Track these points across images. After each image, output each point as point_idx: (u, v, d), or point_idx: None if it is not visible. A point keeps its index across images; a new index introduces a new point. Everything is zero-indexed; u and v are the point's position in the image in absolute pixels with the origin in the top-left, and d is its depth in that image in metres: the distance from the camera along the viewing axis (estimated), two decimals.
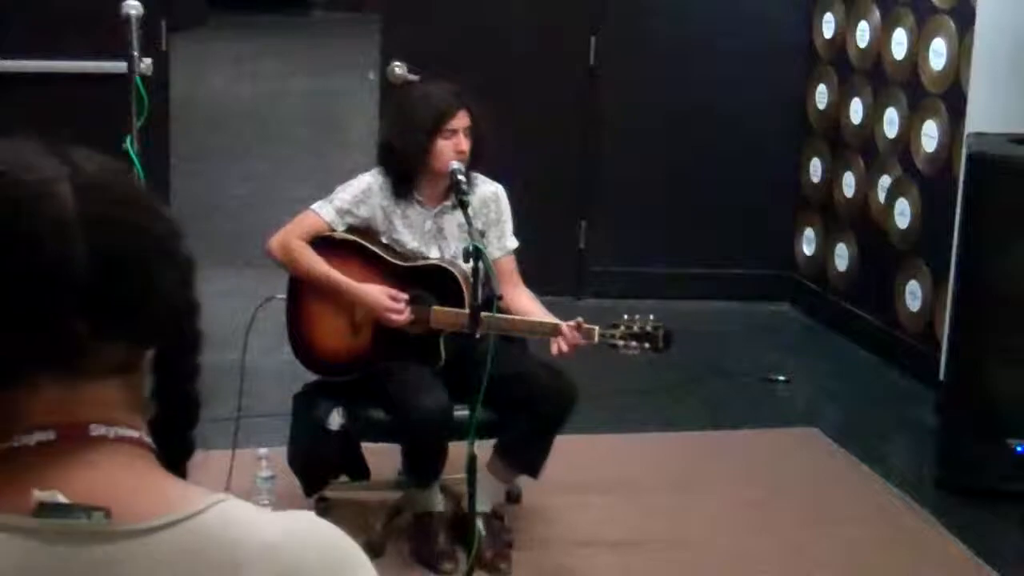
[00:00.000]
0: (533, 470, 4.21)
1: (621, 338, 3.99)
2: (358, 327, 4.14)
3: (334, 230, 4.13)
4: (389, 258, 4.13)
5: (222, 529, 1.08)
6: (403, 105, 4.20)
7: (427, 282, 4.11)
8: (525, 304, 4.18)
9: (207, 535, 1.07)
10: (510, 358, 4.01)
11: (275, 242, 4.14)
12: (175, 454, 1.17)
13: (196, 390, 1.20)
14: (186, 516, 1.07)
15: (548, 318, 4.10)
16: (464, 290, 3.99)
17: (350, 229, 4.15)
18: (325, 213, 4.14)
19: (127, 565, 1.05)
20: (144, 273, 1.11)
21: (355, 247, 4.14)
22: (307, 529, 1.12)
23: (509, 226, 4.28)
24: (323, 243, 4.13)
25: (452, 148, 4.07)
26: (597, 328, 3.98)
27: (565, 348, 3.93)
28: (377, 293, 4.08)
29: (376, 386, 4.07)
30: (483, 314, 3.71)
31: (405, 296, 4.08)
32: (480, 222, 4.13)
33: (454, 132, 4.08)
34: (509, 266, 4.25)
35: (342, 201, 4.15)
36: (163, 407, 1.16)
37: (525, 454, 4.16)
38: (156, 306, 1.12)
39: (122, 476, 1.09)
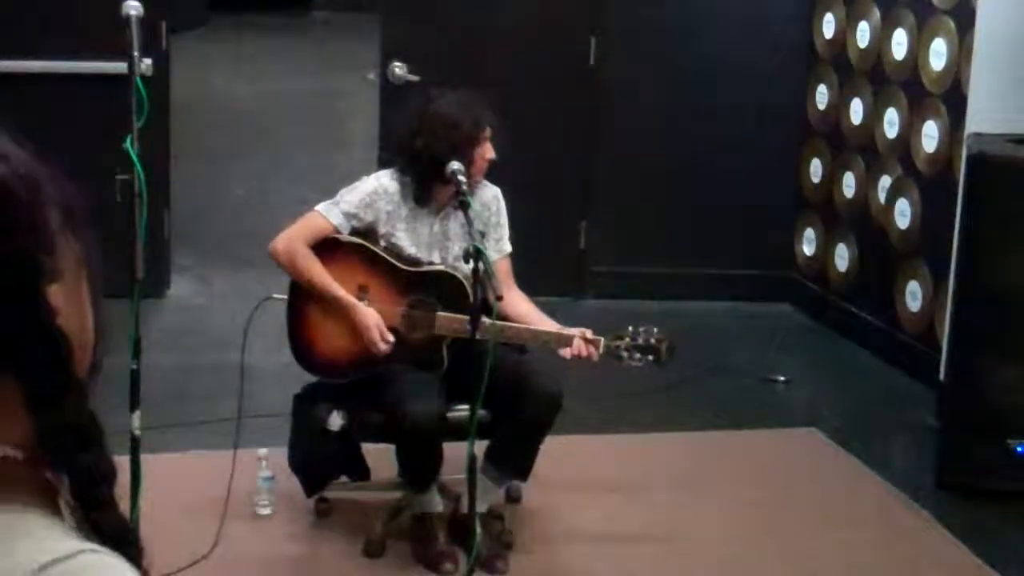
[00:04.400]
0: (521, 474, 4.23)
1: (626, 350, 4.03)
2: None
3: (339, 233, 4.13)
4: (395, 262, 4.13)
5: None
6: (440, 117, 4.08)
7: (432, 287, 4.11)
8: (522, 308, 4.19)
9: None
10: (507, 359, 4.00)
11: (280, 246, 4.11)
12: (77, 484, 1.06)
13: (80, 406, 1.07)
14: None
15: (550, 325, 4.12)
16: (469, 295, 3.99)
17: (353, 231, 4.14)
18: (333, 216, 4.12)
19: None
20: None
21: (361, 250, 4.13)
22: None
23: (506, 230, 4.30)
24: (328, 245, 4.12)
25: (482, 156, 4.11)
26: (603, 339, 4.00)
27: (574, 355, 3.97)
28: (371, 323, 4.06)
29: (374, 388, 4.07)
30: (489, 323, 3.71)
31: (391, 339, 4.07)
32: (481, 224, 4.14)
33: (486, 139, 4.13)
34: (505, 268, 4.25)
35: (348, 204, 4.13)
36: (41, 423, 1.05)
37: (512, 458, 4.16)
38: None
39: None
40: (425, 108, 4.14)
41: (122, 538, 1.07)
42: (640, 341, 4.04)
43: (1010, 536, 4.56)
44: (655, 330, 4.07)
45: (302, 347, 4.20)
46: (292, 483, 4.26)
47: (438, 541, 4.12)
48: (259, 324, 4.17)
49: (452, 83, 4.28)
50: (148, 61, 5.13)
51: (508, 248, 4.30)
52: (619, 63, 6.67)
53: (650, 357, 4.05)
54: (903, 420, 5.56)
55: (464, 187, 3.94)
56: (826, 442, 5.25)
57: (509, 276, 4.27)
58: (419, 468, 4.09)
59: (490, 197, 4.26)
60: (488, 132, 4.13)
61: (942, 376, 5.26)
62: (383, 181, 4.17)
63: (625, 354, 4.04)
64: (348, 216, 4.12)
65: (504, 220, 4.29)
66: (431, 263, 4.15)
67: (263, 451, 4.37)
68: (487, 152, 4.12)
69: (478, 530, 3.82)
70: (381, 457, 4.28)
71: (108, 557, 1.03)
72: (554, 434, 4.15)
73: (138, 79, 3.45)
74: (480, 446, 3.98)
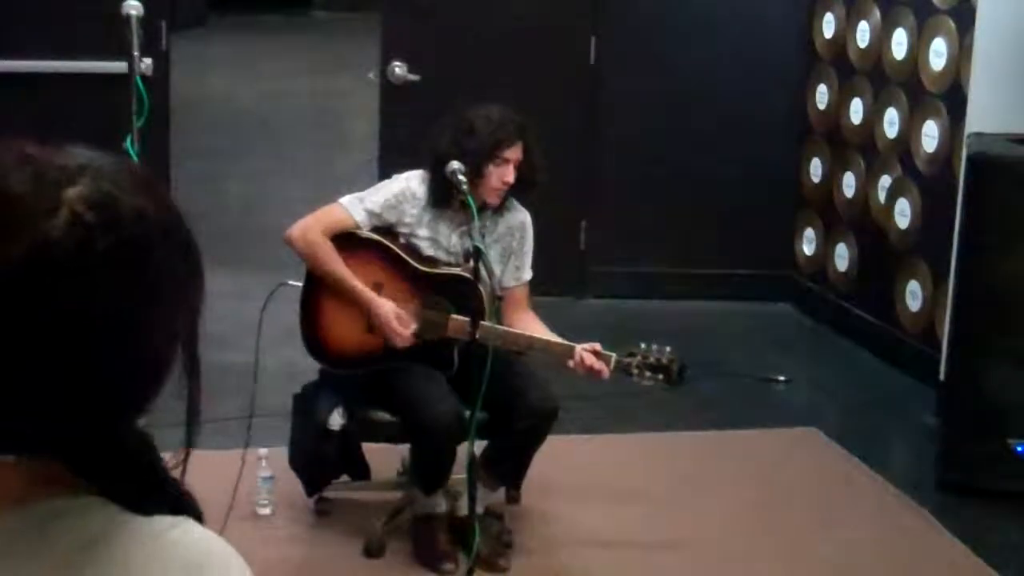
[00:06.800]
0: (511, 482, 4.24)
1: (637, 367, 4.00)
2: (373, 324, 4.13)
3: (360, 229, 4.12)
4: (412, 262, 4.12)
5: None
6: (465, 121, 4.10)
7: (448, 290, 4.09)
8: (536, 330, 4.16)
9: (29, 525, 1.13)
10: (505, 370, 3.98)
11: (298, 232, 4.10)
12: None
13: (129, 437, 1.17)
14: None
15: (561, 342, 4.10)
16: (484, 301, 3.97)
17: (373, 229, 4.14)
18: (355, 212, 4.10)
19: None
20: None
21: (379, 247, 4.12)
22: None
23: (529, 258, 4.27)
24: (347, 238, 4.10)
25: (499, 176, 4.06)
26: (614, 355, 3.98)
27: (586, 368, 3.95)
28: (388, 311, 4.05)
29: (381, 387, 4.06)
30: (503, 330, 3.70)
31: (414, 326, 4.07)
32: (501, 247, 4.14)
33: (506, 161, 4.07)
34: (521, 294, 4.24)
35: (374, 204, 4.11)
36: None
37: (505, 467, 4.16)
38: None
39: None
40: (459, 110, 4.13)
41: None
42: (652, 360, 4.01)
43: (1010, 536, 4.56)
44: (667, 349, 4.04)
45: (315, 336, 4.18)
46: (292, 482, 4.26)
47: (438, 541, 4.12)
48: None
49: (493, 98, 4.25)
50: (148, 61, 5.13)
51: (528, 276, 4.27)
52: (619, 63, 6.67)
53: (660, 376, 4.02)
54: (903, 420, 5.56)
55: (464, 187, 3.93)
56: (826, 442, 5.25)
57: (525, 301, 4.26)
58: (435, 469, 4.08)
59: (517, 222, 4.24)
60: (510, 155, 4.07)
61: (942, 376, 5.26)
62: (412, 184, 4.15)
63: (636, 371, 4.02)
64: (371, 215, 4.11)
65: (528, 248, 4.27)
66: (448, 265, 4.14)
67: (263, 451, 4.36)
68: (505, 174, 4.06)
69: (478, 530, 3.82)
70: (381, 457, 4.28)
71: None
72: (554, 434, 4.15)
73: (138, 79, 3.46)
74: (479, 447, 3.98)
